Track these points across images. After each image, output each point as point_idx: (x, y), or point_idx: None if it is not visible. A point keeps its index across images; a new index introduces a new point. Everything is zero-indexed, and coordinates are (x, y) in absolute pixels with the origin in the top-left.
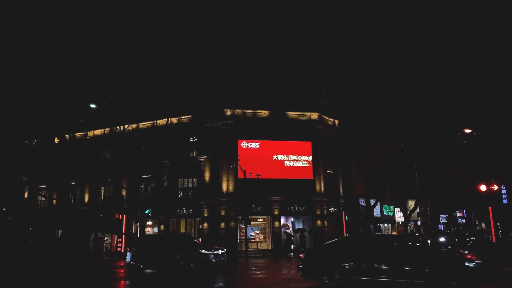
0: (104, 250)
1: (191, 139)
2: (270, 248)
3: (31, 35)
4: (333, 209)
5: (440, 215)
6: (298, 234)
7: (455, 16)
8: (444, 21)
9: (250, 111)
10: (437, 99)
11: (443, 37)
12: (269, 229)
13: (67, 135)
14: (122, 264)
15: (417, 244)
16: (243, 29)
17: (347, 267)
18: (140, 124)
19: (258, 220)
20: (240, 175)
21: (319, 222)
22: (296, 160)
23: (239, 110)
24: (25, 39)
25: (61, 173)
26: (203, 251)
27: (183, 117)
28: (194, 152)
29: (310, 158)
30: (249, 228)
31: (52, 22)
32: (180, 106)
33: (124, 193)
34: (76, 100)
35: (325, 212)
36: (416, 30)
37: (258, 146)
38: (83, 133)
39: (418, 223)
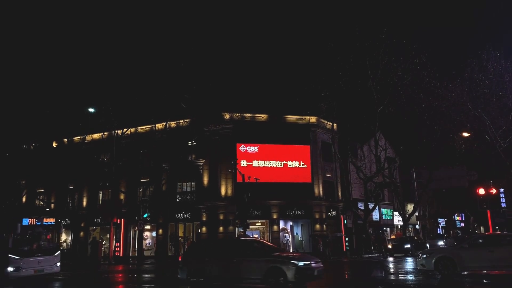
0: (102, 255)
1: (189, 143)
2: None
3: (30, 40)
4: (332, 213)
5: (439, 219)
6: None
7: (453, 19)
8: (442, 23)
9: (249, 115)
10: (435, 102)
11: (442, 38)
12: (268, 233)
13: (65, 139)
14: (120, 269)
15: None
16: (241, 33)
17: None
18: (139, 128)
19: (257, 224)
20: (239, 179)
21: (318, 226)
22: (295, 164)
23: (238, 114)
24: (24, 43)
25: (59, 177)
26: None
27: (182, 121)
28: (193, 156)
29: (308, 162)
30: (247, 232)
31: (51, 27)
32: (178, 110)
33: (122, 197)
34: (74, 104)
35: (324, 216)
36: (416, 31)
37: (257, 150)
38: (81, 137)
39: (417, 226)
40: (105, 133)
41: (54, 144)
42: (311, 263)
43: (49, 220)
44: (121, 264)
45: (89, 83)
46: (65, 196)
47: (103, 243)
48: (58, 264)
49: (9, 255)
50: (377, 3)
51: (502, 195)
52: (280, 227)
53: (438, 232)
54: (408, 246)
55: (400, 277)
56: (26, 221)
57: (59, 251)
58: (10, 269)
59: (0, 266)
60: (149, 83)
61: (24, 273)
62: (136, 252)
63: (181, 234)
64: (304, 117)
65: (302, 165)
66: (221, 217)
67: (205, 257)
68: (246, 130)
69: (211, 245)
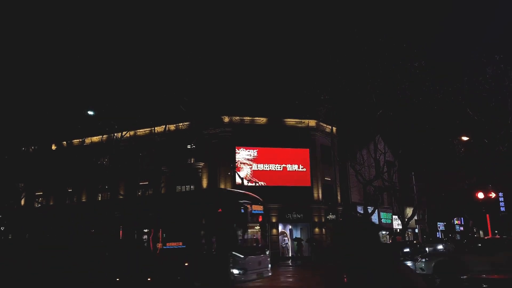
0: None
1: (188, 146)
2: None
3: (28, 43)
4: (331, 216)
5: (438, 223)
6: (295, 243)
7: (450, 24)
8: (440, 28)
9: (248, 118)
10: (435, 106)
11: (441, 43)
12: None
13: (65, 142)
14: None
15: None
16: (241, 36)
17: None
18: (138, 131)
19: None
20: (238, 182)
21: (317, 229)
22: (294, 167)
23: (237, 117)
24: (22, 46)
25: (58, 180)
26: None
27: (181, 124)
28: (192, 159)
29: (308, 165)
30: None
31: (50, 29)
32: (178, 113)
33: None
34: (73, 106)
35: (323, 220)
36: (415, 34)
37: (256, 153)
38: (80, 140)
39: (416, 230)
40: (104, 136)
41: (53, 147)
42: None
43: (256, 208)
44: None
45: (89, 85)
46: (63, 199)
47: None
48: (269, 266)
49: (233, 252)
50: (377, 6)
51: (501, 199)
52: (279, 231)
53: (438, 236)
54: (407, 250)
55: None
56: None
57: (268, 250)
58: (235, 271)
59: (225, 267)
60: (148, 86)
61: (249, 277)
62: None
63: None
64: (303, 120)
65: (301, 168)
66: None
67: None
68: (245, 133)
69: None
